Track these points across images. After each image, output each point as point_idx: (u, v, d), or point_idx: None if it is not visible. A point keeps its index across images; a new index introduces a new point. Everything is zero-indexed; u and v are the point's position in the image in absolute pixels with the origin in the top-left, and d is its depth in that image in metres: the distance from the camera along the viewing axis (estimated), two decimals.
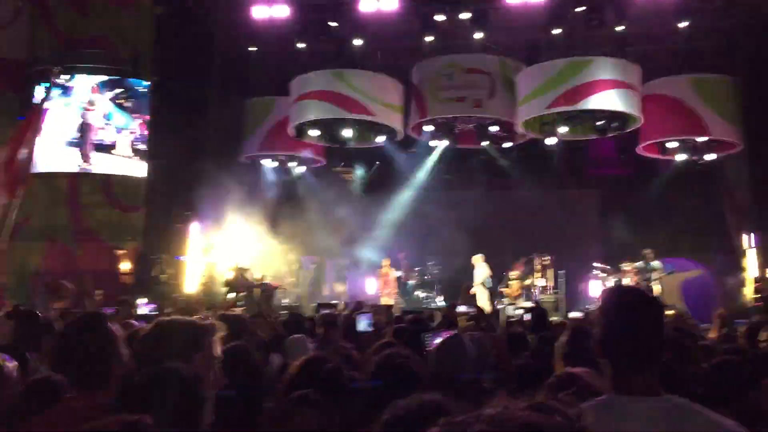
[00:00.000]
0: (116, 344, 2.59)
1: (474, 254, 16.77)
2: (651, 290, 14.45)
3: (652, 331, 2.02)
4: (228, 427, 2.32)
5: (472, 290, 15.89)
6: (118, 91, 16.45)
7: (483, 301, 15.65)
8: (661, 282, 15.55)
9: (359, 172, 20.24)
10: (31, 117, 9.23)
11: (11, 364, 3.29)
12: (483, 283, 16.39)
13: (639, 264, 15.69)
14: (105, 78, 16.41)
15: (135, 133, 16.45)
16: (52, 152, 15.61)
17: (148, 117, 16.45)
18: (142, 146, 16.40)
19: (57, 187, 15.79)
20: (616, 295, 2.17)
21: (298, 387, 2.50)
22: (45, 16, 16.15)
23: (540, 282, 16.98)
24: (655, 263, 15.62)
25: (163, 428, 1.94)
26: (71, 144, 16.03)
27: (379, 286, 17.72)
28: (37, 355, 3.77)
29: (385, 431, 1.52)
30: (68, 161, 15.97)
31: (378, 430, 1.54)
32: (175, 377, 2.03)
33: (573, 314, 14.06)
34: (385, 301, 16.56)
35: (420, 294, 18.07)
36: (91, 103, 16.27)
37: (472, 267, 16.76)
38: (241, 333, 4.27)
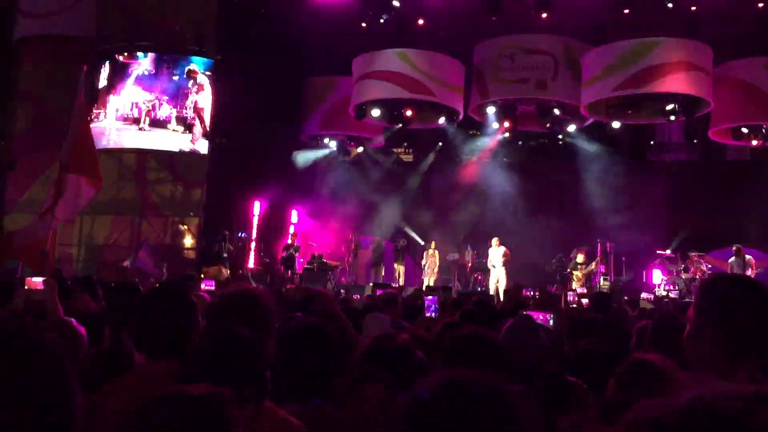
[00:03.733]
0: (194, 314, 2.63)
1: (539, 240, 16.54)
2: None
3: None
4: (295, 398, 2.33)
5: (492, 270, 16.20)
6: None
7: (493, 282, 15.97)
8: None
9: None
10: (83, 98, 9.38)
11: (82, 330, 3.42)
12: (494, 265, 16.17)
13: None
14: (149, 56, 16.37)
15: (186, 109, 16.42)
16: (117, 129, 16.01)
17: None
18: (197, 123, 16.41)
19: (124, 163, 16.19)
20: (739, 285, 2.10)
21: (369, 362, 2.50)
22: None
23: (601, 269, 16.66)
24: (749, 257, 14.78)
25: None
26: (128, 120, 16.15)
27: (425, 268, 17.51)
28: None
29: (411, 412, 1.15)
30: (131, 138, 16.19)
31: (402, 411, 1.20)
32: (237, 342, 2.04)
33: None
34: (428, 281, 16.60)
35: (478, 277, 17.93)
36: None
37: (489, 247, 16.40)
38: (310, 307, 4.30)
